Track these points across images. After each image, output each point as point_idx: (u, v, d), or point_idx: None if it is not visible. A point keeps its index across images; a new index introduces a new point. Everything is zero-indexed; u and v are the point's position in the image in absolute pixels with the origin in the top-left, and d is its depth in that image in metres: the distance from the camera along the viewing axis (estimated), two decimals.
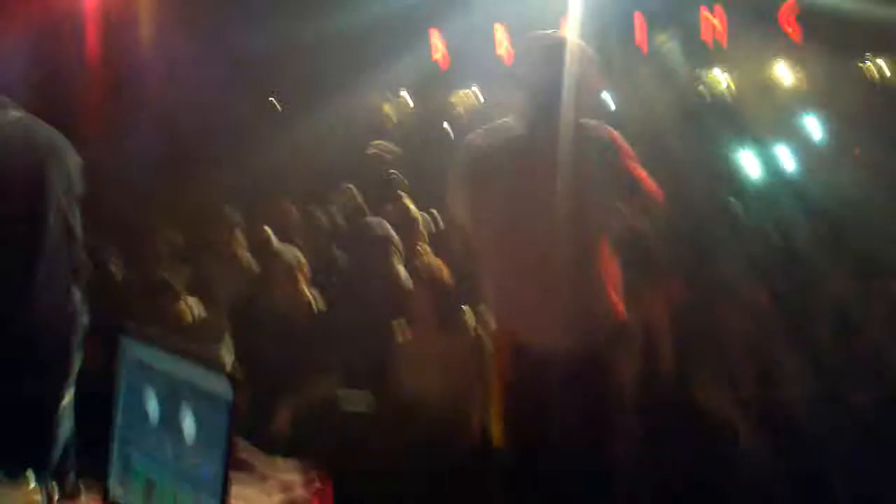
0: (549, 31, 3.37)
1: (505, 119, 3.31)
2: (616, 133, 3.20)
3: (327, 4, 11.62)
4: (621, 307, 3.19)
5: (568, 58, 3.13)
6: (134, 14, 11.09)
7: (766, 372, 3.96)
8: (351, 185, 6.94)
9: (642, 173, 3.20)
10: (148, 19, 11.15)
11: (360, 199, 6.69)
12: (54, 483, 2.01)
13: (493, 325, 3.42)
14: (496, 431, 3.37)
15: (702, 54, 12.79)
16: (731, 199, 6.20)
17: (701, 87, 12.26)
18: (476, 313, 4.12)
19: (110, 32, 10.78)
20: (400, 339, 4.34)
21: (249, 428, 1.62)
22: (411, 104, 13.67)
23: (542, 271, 3.09)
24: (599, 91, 3.35)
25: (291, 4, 11.86)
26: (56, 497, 1.96)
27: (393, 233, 5.13)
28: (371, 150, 6.97)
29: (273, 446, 3.78)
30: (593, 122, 3.21)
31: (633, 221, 3.41)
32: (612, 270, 3.20)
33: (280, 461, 2.07)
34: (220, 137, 10.39)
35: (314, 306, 4.62)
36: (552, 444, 3.07)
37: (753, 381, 3.99)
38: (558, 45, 3.19)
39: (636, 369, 3.66)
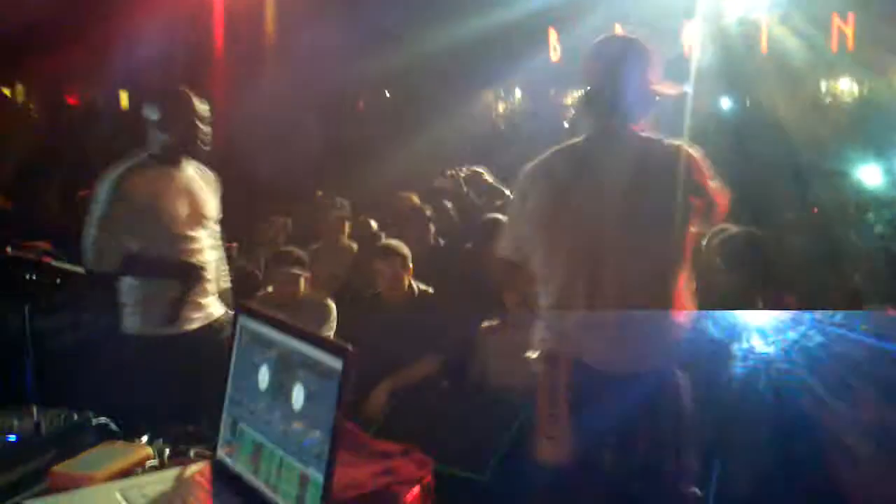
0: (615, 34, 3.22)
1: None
2: (690, 151, 2.96)
3: (451, 7, 11.75)
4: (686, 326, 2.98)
5: (619, 56, 2.99)
6: (264, 6, 11.43)
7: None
8: (454, 173, 7.00)
9: (716, 192, 2.99)
10: (282, 9, 11.47)
11: (468, 192, 6.75)
12: (164, 441, 2.12)
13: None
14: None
15: (830, 61, 12.35)
16: (856, 210, 6.00)
17: (826, 94, 11.83)
18: None
19: (239, 24, 11.15)
20: (491, 329, 4.40)
21: (348, 406, 1.68)
22: (525, 103, 13.68)
23: (606, 285, 2.91)
24: (657, 95, 3.02)
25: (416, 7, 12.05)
26: (167, 454, 2.06)
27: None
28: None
29: (369, 425, 3.93)
30: (665, 141, 2.98)
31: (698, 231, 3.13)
32: (682, 292, 2.97)
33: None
34: (341, 130, 10.65)
35: (415, 293, 4.70)
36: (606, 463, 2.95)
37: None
38: (610, 44, 3.07)
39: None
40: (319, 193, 6.21)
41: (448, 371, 4.47)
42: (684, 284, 2.96)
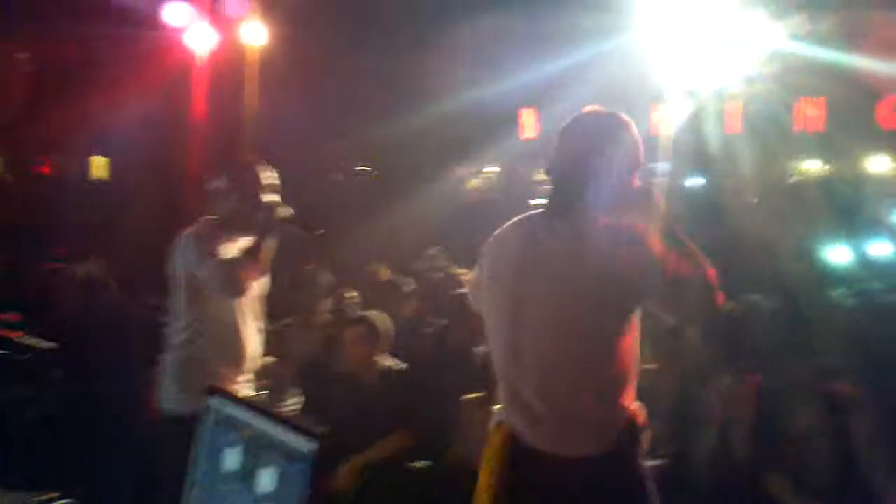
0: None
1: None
2: (643, 231, 2.81)
3: (428, 84, 11.97)
4: (635, 410, 2.87)
5: (582, 129, 2.88)
6: (246, 81, 11.55)
7: (850, 469, 3.83)
8: (435, 252, 7.05)
9: (681, 269, 2.79)
10: (261, 88, 11.60)
11: (446, 266, 6.79)
12: None
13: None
14: None
15: (798, 143, 12.65)
16: (825, 286, 6.07)
17: (794, 174, 12.09)
18: None
19: (221, 98, 11.27)
20: (475, 401, 4.39)
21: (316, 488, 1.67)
22: (498, 179, 13.88)
23: (559, 372, 2.79)
24: (629, 162, 2.87)
25: (393, 85, 12.26)
26: None
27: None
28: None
29: (338, 502, 3.87)
30: (621, 224, 2.84)
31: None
32: (629, 370, 2.84)
33: None
34: (318, 204, 10.70)
35: (388, 370, 4.68)
36: None
37: (835, 478, 3.87)
38: (573, 120, 2.91)
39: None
40: (316, 273, 6.18)
41: (419, 448, 4.43)
42: (617, 374, 2.82)
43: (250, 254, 3.67)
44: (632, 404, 2.85)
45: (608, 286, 2.74)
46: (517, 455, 2.86)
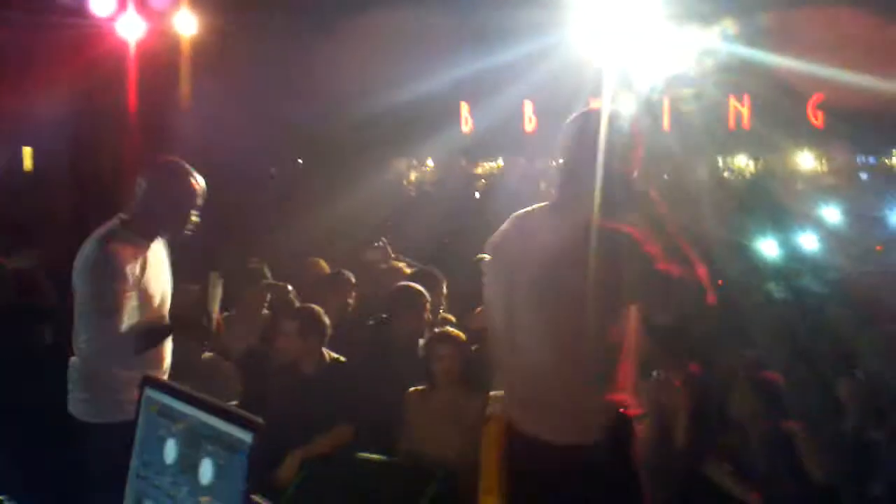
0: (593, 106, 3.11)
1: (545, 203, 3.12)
2: (640, 236, 2.87)
3: (368, 77, 11.93)
4: (629, 402, 2.96)
5: (594, 128, 2.92)
6: (178, 71, 11.36)
7: (784, 453, 3.93)
8: (382, 243, 7.04)
9: (674, 270, 2.87)
10: (193, 78, 11.43)
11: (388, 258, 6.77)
12: None
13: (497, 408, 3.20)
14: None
15: (728, 140, 12.95)
16: (755, 279, 6.21)
17: (727, 170, 12.36)
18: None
19: (154, 86, 11.06)
20: (418, 395, 4.44)
21: (257, 478, 1.64)
22: (435, 172, 13.93)
23: (541, 361, 2.91)
24: (632, 163, 2.97)
25: (334, 77, 12.18)
26: None
27: (424, 294, 5.17)
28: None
29: (279, 495, 3.83)
30: (619, 227, 2.89)
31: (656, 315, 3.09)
32: (625, 367, 2.94)
33: None
34: (257, 197, 10.59)
35: (326, 363, 4.64)
36: None
37: (770, 462, 3.97)
38: (585, 116, 3.00)
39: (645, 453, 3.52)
40: (259, 269, 6.07)
41: (361, 441, 4.40)
42: (620, 367, 2.91)
43: (148, 336, 3.54)
44: (622, 396, 2.92)
45: (601, 285, 2.79)
46: (513, 443, 3.00)
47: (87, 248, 3.54)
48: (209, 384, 4.50)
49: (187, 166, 3.71)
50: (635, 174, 2.96)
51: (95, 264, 3.48)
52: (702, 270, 2.87)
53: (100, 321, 3.47)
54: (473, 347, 4.57)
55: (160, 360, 3.65)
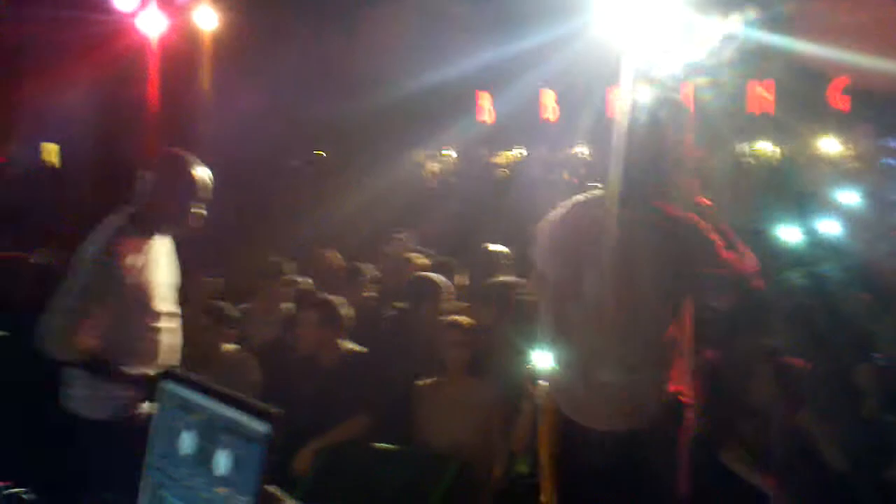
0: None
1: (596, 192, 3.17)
2: (699, 227, 2.98)
3: (387, 69, 11.92)
4: (684, 391, 3.05)
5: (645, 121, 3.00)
6: (199, 65, 11.43)
7: (801, 439, 3.93)
8: (401, 236, 7.06)
9: (734, 259, 3.01)
10: (215, 72, 11.48)
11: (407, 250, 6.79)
12: None
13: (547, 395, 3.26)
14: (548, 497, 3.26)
15: (750, 124, 12.82)
16: (774, 266, 6.17)
17: (748, 155, 12.24)
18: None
19: (175, 80, 11.12)
20: (429, 385, 4.47)
21: (274, 468, 1.67)
22: (456, 162, 13.89)
23: (596, 351, 2.97)
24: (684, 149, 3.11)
25: (352, 69, 12.19)
26: None
27: (443, 285, 5.20)
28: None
29: (295, 486, 3.88)
30: (676, 214, 3.01)
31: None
32: (678, 356, 3.02)
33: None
34: (277, 191, 10.62)
35: (347, 354, 4.68)
36: None
37: (787, 449, 3.97)
38: (640, 107, 3.06)
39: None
40: (280, 263, 6.11)
41: (377, 431, 4.44)
42: (675, 355, 3.00)
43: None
44: (676, 384, 2.99)
45: (670, 275, 2.88)
46: (566, 432, 3.07)
47: (92, 244, 3.51)
48: (231, 376, 4.58)
49: (191, 158, 3.65)
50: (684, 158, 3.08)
51: (98, 260, 3.45)
52: (750, 256, 3.03)
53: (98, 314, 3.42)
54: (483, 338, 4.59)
55: (153, 349, 3.57)
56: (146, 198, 3.59)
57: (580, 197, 3.19)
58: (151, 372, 3.38)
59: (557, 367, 3.13)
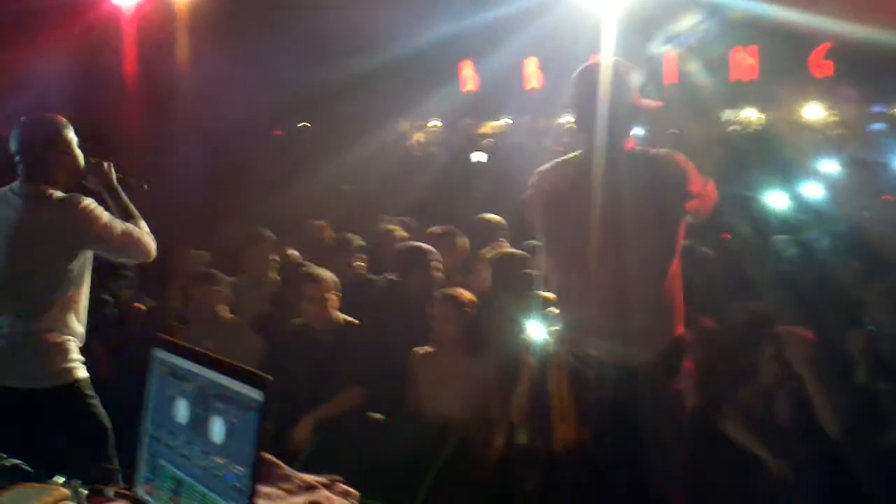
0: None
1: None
2: (676, 158, 3.30)
3: (369, 36, 11.81)
4: (681, 321, 3.33)
5: (603, 76, 3.26)
6: (175, 35, 11.28)
7: (798, 405, 3.93)
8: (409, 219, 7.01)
9: (705, 186, 3.33)
10: (191, 42, 11.34)
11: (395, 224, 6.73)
12: (81, 482, 2.02)
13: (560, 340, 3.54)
14: (562, 435, 3.51)
15: (733, 91, 12.81)
16: (761, 233, 6.17)
17: (733, 123, 12.24)
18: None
19: (151, 51, 10.97)
20: (423, 356, 4.46)
21: (271, 439, 1.65)
22: (441, 132, 13.83)
23: (605, 285, 3.21)
24: (634, 103, 3.35)
25: (332, 36, 12.06)
26: (85, 495, 1.97)
27: (435, 255, 5.16)
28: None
29: (293, 458, 3.86)
30: (652, 151, 3.38)
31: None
32: (676, 286, 3.30)
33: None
34: (258, 161, 10.53)
35: (343, 325, 4.64)
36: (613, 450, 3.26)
37: (783, 415, 3.97)
38: (593, 67, 3.33)
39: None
40: (259, 230, 6.04)
41: (374, 401, 4.42)
42: (675, 274, 3.28)
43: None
44: (680, 326, 3.31)
45: (655, 201, 3.17)
46: (579, 369, 3.32)
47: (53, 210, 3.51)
48: (231, 343, 4.56)
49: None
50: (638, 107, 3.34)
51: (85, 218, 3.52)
52: (711, 185, 3.35)
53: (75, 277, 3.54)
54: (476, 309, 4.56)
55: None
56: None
57: (561, 158, 3.49)
58: None
59: (565, 310, 3.41)
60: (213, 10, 11.32)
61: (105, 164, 3.77)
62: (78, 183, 3.67)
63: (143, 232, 3.69)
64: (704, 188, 3.32)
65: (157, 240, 3.78)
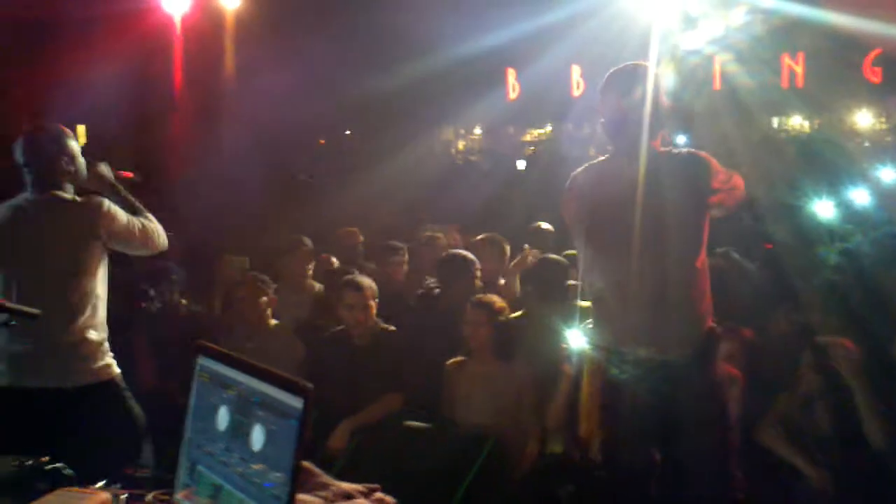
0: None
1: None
2: (700, 156, 3.38)
3: (412, 45, 11.85)
4: (710, 314, 3.40)
5: (632, 82, 3.35)
6: (225, 43, 11.42)
7: (839, 415, 3.87)
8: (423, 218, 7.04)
9: (730, 180, 3.41)
10: (239, 50, 11.47)
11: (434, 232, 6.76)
12: (121, 486, 2.06)
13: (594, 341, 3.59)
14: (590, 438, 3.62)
15: (781, 98, 12.63)
16: (805, 242, 6.08)
17: (781, 130, 12.06)
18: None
19: (202, 59, 11.12)
20: (457, 365, 4.48)
21: (308, 446, 1.67)
22: (483, 140, 13.82)
23: (640, 281, 3.28)
24: (667, 111, 3.44)
25: (377, 45, 12.12)
26: (124, 499, 2.00)
27: (473, 261, 5.18)
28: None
29: (331, 465, 3.89)
30: (675, 150, 3.44)
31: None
32: (704, 279, 3.38)
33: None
34: (305, 169, 10.62)
35: (381, 332, 4.67)
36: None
37: (823, 425, 3.91)
38: (620, 71, 3.43)
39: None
40: (298, 238, 6.10)
41: (412, 409, 4.45)
42: (703, 267, 3.38)
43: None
44: (710, 321, 3.39)
45: (684, 195, 3.26)
46: (612, 365, 3.37)
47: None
48: (277, 351, 4.63)
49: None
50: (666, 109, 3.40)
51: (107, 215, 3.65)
52: (738, 176, 3.43)
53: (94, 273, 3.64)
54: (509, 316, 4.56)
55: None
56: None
57: (593, 161, 3.61)
58: None
59: (600, 308, 3.47)
60: (261, 19, 11.46)
61: (102, 165, 3.86)
62: (79, 186, 3.76)
63: (156, 223, 3.81)
64: (730, 180, 3.41)
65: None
